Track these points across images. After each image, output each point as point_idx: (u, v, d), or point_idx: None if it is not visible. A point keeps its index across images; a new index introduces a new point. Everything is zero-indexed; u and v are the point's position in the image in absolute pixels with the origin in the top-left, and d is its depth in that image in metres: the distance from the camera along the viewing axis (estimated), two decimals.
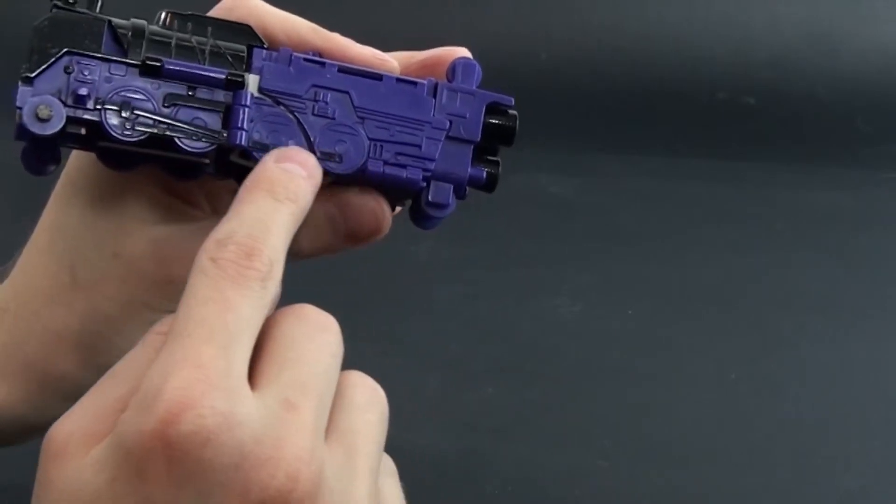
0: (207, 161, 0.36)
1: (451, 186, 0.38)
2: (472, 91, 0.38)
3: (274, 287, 0.30)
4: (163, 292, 0.38)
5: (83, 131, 0.35)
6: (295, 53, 0.37)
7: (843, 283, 0.79)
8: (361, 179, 0.37)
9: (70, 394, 0.40)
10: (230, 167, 0.37)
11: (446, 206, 0.38)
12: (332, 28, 0.39)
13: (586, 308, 0.73)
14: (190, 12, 0.37)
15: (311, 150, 0.36)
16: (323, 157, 0.36)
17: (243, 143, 0.35)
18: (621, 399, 0.60)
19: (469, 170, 0.38)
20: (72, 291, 0.39)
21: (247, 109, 0.35)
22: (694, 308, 0.73)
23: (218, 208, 0.42)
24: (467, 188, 0.38)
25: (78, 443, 0.27)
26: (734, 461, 0.54)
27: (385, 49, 0.39)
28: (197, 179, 0.38)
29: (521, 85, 1.15)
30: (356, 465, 0.29)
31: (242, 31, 0.37)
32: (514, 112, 0.39)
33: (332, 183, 0.37)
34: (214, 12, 0.38)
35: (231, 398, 0.26)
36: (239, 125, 0.35)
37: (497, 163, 0.39)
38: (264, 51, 0.36)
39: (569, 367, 0.64)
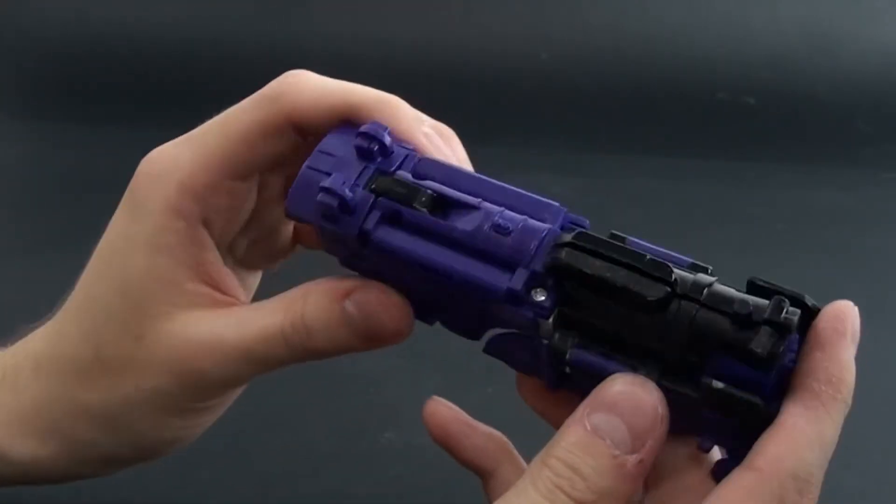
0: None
1: None
2: None
3: None
4: (183, 382, 0.36)
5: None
6: None
7: (843, 283, 0.79)
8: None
9: (100, 460, 0.39)
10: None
11: None
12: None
13: None
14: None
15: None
16: None
17: None
18: None
19: None
20: (96, 369, 0.37)
21: None
22: None
23: (250, 297, 0.40)
24: None
25: None
26: None
27: None
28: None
29: (521, 85, 1.15)
30: None
31: None
32: None
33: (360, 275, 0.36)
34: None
35: None
36: None
37: None
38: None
39: None
